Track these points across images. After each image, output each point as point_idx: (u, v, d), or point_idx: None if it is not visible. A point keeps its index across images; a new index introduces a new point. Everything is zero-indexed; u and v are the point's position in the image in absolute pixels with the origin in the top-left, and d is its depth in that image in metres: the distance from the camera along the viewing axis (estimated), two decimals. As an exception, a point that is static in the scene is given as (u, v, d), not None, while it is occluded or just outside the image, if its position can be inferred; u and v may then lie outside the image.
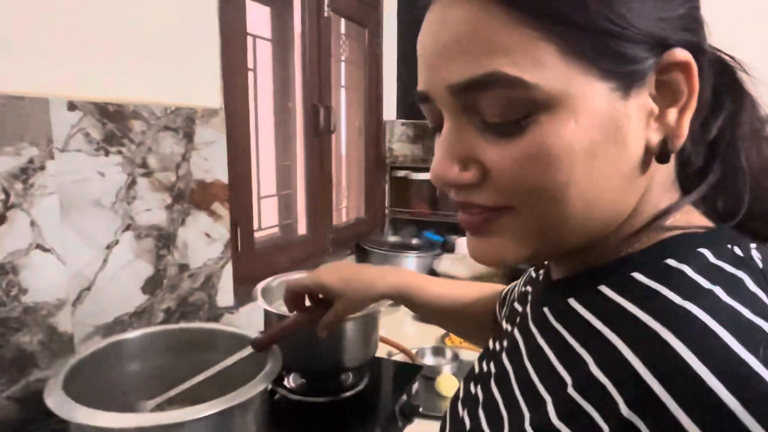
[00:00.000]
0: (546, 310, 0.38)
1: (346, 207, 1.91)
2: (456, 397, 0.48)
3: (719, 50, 0.36)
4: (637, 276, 0.32)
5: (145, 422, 0.50)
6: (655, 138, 0.32)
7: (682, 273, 0.30)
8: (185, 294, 1.03)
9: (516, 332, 0.42)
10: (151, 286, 0.96)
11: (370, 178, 1.91)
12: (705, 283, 0.29)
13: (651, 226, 0.34)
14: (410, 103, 1.98)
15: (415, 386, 0.91)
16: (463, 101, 0.32)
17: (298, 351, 0.81)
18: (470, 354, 1.18)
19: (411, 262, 1.72)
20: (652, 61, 0.31)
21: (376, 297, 0.65)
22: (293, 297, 0.68)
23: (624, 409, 0.26)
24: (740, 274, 0.30)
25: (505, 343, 0.44)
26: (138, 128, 0.90)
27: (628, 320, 0.30)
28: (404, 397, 0.84)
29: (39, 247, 0.76)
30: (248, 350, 0.60)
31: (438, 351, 1.18)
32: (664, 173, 0.35)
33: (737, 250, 0.32)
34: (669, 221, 0.34)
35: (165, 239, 0.98)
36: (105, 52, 0.84)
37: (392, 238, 1.92)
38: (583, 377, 0.30)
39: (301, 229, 1.56)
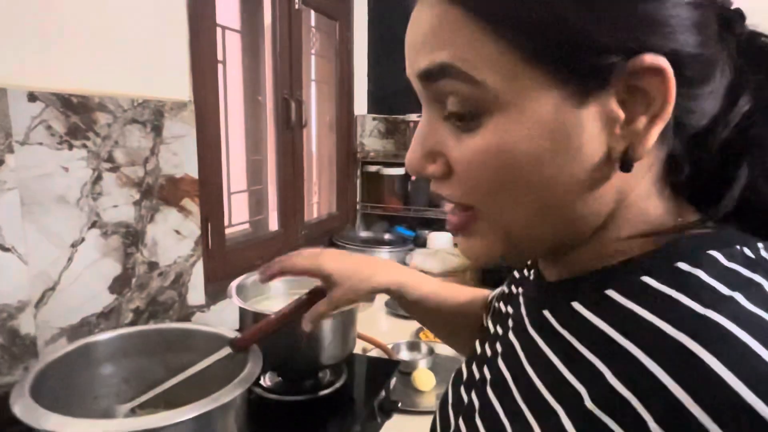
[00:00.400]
0: (547, 313, 0.37)
1: (318, 202, 1.90)
2: (444, 401, 0.47)
3: (759, 31, 0.34)
4: (648, 280, 0.31)
5: (119, 428, 0.48)
6: (619, 146, 0.31)
7: (698, 278, 0.29)
8: (155, 293, 1.00)
9: (512, 336, 0.41)
10: (119, 285, 0.92)
11: (341, 173, 1.90)
12: (724, 290, 0.28)
13: (648, 229, 0.33)
14: (381, 98, 1.97)
15: (393, 382, 0.90)
16: (431, 91, 0.34)
17: (274, 349, 0.79)
18: (445, 348, 1.19)
19: (383, 257, 1.71)
20: (618, 67, 0.29)
21: (374, 291, 0.64)
22: (281, 273, 0.65)
23: (653, 426, 0.25)
24: (757, 278, 0.29)
25: (499, 348, 0.43)
26: (103, 121, 0.86)
27: (647, 329, 0.28)
28: (383, 393, 0.84)
29: (-2, 246, 0.72)
30: (226, 350, 0.58)
31: (413, 346, 1.19)
32: (648, 178, 0.34)
33: (747, 251, 0.31)
34: (657, 221, 0.34)
35: (133, 236, 0.94)
36: (68, 42, 0.80)
37: (364, 234, 1.92)
38: (602, 390, 0.29)
39: (273, 225, 1.54)
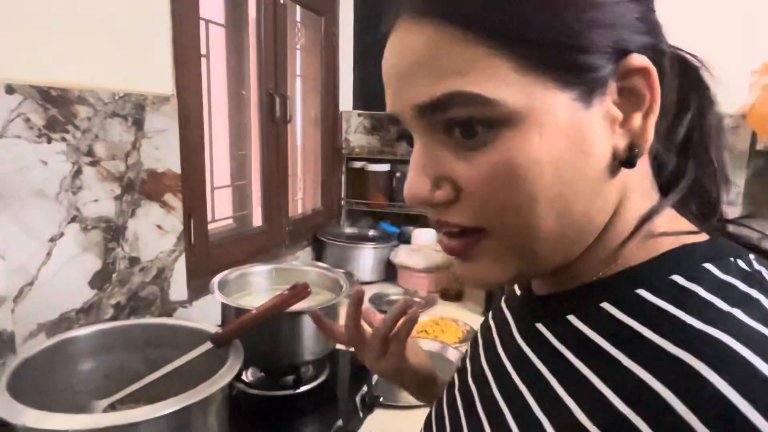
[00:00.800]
0: (541, 327, 0.37)
1: (302, 198, 1.89)
2: (440, 402, 0.46)
3: (681, 49, 0.37)
4: (643, 293, 0.31)
5: (99, 423, 0.48)
6: (622, 144, 0.32)
7: (695, 294, 0.29)
8: (136, 288, 0.99)
9: (500, 350, 0.41)
10: (100, 280, 0.91)
11: (326, 169, 1.89)
12: (723, 305, 0.28)
13: (639, 233, 0.33)
14: (367, 94, 1.97)
15: (375, 377, 0.91)
16: (428, 120, 0.32)
17: (257, 345, 0.79)
18: (428, 344, 1.19)
19: (368, 253, 1.72)
20: (610, 69, 0.31)
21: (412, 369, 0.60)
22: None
23: None
24: (755, 293, 0.28)
25: (485, 363, 0.42)
26: (84, 114, 0.85)
27: (647, 347, 0.28)
28: (365, 387, 0.84)
29: (-25, 240, 0.71)
30: (207, 345, 0.58)
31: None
32: (640, 178, 0.35)
33: (741, 264, 0.31)
34: (657, 228, 0.34)
35: (114, 231, 0.93)
36: (47, 33, 0.79)
37: (349, 230, 1.92)
38: (598, 406, 0.28)
39: (257, 220, 1.53)
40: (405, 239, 1.84)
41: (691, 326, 0.27)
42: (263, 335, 0.78)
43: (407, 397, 0.99)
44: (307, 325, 0.79)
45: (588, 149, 0.31)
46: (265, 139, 1.49)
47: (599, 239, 0.34)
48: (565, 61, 0.30)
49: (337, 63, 1.89)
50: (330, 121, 1.89)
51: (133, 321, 0.68)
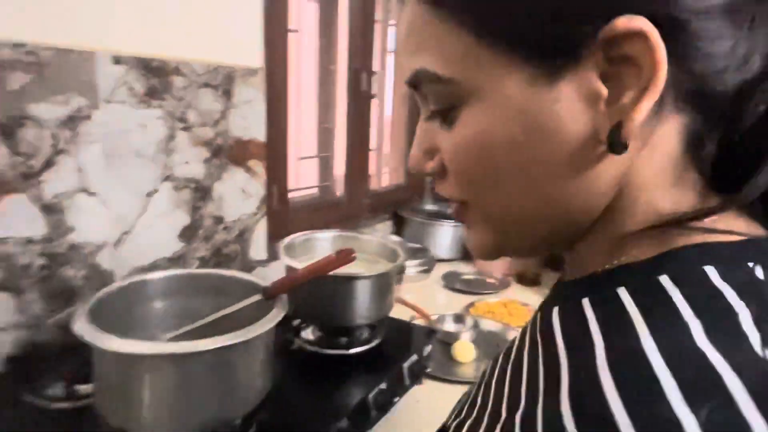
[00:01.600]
0: (539, 313, 0.36)
1: (387, 173, 1.93)
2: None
3: None
4: (621, 293, 0.28)
5: (159, 350, 0.55)
6: (604, 125, 0.28)
7: (668, 298, 0.26)
8: (219, 245, 1.10)
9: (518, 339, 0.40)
10: (187, 234, 1.02)
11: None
12: (687, 314, 0.24)
13: (660, 229, 0.29)
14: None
15: (428, 348, 0.93)
16: (418, 95, 0.34)
17: (315, 305, 0.85)
18: (489, 324, 1.19)
19: (446, 231, 1.72)
20: (587, 37, 0.27)
21: None
22: None
23: None
24: (739, 306, 0.24)
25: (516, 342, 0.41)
26: (179, 84, 0.95)
27: (585, 354, 0.26)
28: (414, 356, 0.87)
29: (84, 190, 0.83)
30: (258, 297, 0.64)
31: (459, 318, 1.20)
32: (659, 166, 0.30)
33: (759, 272, 0.26)
34: (672, 215, 0.29)
35: (202, 192, 1.03)
36: (151, 9, 0.89)
37: (430, 207, 1.93)
38: (530, 407, 0.27)
39: (339, 191, 1.60)
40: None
41: (632, 335, 0.25)
42: (321, 296, 0.83)
43: (461, 373, 1.00)
44: (361, 291, 0.83)
45: (550, 130, 0.29)
46: (351, 113, 1.54)
47: (600, 231, 0.32)
48: (525, 35, 0.28)
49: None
50: (418, 97, 1.90)
51: (199, 270, 0.76)
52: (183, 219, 1.01)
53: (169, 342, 0.62)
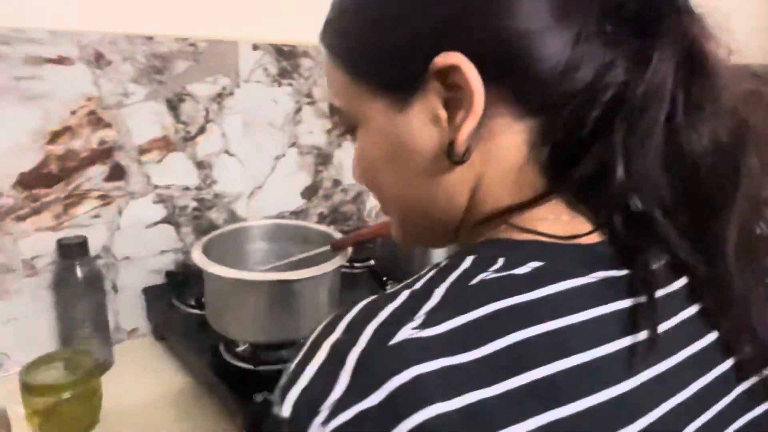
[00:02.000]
0: None
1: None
2: None
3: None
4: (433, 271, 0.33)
5: (246, 276, 0.73)
6: (443, 141, 0.34)
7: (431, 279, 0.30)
8: (337, 204, 1.27)
9: None
10: (309, 193, 1.20)
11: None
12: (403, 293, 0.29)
13: (491, 222, 0.34)
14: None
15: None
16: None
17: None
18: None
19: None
20: (425, 72, 0.32)
21: None
22: None
23: None
24: (436, 294, 0.28)
25: None
26: (306, 65, 1.11)
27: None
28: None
29: (227, 152, 1.05)
30: (327, 247, 0.78)
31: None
32: (505, 170, 0.34)
33: (501, 262, 0.30)
34: (528, 221, 0.33)
35: (323, 157, 1.21)
36: (283, 2, 1.06)
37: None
38: None
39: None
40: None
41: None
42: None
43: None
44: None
45: (412, 148, 0.36)
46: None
47: (463, 225, 0.38)
48: (375, 73, 0.35)
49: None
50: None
51: (290, 221, 0.93)
52: (305, 180, 1.19)
53: (256, 272, 0.79)
